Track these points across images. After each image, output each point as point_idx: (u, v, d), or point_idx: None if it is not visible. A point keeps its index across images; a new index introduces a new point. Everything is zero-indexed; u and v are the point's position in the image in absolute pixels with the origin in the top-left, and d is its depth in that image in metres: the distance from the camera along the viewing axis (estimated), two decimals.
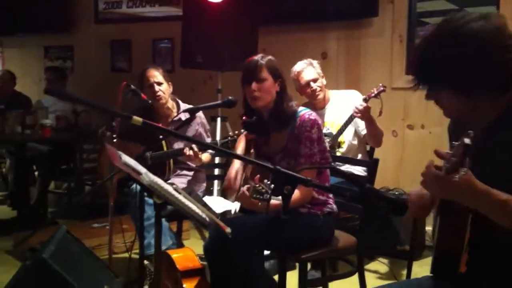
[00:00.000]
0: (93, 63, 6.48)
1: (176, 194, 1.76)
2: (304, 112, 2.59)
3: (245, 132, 2.82)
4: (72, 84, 6.07)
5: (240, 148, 2.79)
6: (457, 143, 1.29)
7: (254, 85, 2.54)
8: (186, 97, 3.71)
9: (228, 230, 1.61)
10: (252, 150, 2.76)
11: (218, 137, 4.23)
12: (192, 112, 2.93)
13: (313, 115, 2.58)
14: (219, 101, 2.81)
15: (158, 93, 3.45)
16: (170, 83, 3.56)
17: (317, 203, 2.61)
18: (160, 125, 3.50)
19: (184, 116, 3.45)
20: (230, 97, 2.70)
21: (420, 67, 1.50)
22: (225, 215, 3.25)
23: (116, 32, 6.25)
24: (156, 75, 3.47)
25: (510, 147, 1.42)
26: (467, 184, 1.31)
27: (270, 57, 2.62)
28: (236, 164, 2.71)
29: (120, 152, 2.00)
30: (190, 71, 4.82)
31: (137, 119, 1.53)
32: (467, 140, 1.25)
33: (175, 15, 5.46)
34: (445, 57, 1.42)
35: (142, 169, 1.89)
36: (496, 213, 1.36)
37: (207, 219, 1.74)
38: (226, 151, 2.39)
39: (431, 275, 1.61)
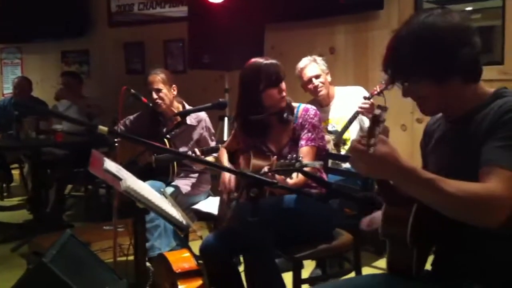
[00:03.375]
0: (109, 66, 6.57)
1: (153, 199, 1.77)
2: (305, 105, 2.79)
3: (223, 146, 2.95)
4: (89, 87, 6.16)
5: (224, 160, 2.85)
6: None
7: (284, 85, 2.66)
8: (198, 96, 3.72)
9: (199, 233, 1.62)
10: (247, 154, 2.75)
11: (225, 137, 4.23)
12: (182, 115, 2.94)
13: (313, 107, 2.78)
14: (209, 104, 2.80)
15: (156, 100, 3.50)
16: (174, 86, 3.58)
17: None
18: (164, 129, 3.57)
19: (189, 120, 3.47)
20: (220, 99, 2.70)
21: (394, 61, 1.56)
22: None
23: (129, 35, 6.31)
24: (154, 81, 3.52)
25: (476, 142, 1.43)
26: (388, 158, 1.30)
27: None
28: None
29: (105, 158, 2.02)
30: (202, 71, 4.83)
31: (103, 128, 1.53)
32: (377, 111, 1.26)
33: (184, 16, 5.46)
34: (414, 46, 1.51)
35: (124, 175, 1.91)
36: (422, 192, 1.33)
37: (184, 222, 1.75)
38: (213, 164, 2.40)
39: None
